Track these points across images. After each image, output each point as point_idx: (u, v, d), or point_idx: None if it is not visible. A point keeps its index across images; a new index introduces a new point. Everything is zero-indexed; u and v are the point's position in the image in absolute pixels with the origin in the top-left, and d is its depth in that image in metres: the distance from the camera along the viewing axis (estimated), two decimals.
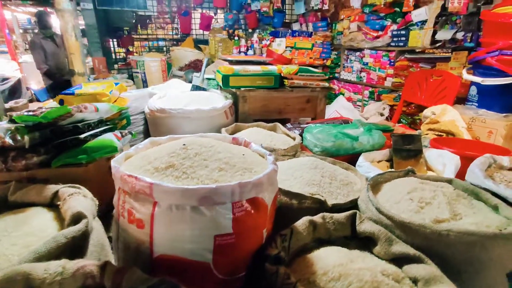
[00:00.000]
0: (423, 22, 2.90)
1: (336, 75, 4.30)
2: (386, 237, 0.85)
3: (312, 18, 4.51)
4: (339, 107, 3.21)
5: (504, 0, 2.07)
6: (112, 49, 5.14)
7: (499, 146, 1.74)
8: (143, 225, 0.71)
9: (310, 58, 4.21)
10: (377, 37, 3.45)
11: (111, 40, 5.06)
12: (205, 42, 4.47)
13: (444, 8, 2.48)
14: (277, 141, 1.58)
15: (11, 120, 0.98)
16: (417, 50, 3.20)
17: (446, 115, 2.28)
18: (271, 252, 0.79)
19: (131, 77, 3.72)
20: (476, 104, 2.24)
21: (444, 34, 2.65)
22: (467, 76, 2.22)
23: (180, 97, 1.82)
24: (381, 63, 3.51)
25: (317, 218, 0.92)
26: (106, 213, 0.97)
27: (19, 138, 0.95)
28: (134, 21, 5.25)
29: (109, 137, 1.13)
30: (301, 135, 1.67)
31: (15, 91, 4.86)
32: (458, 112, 2.24)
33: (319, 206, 1.03)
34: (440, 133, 2.23)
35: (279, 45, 3.95)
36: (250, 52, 3.95)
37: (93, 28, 3.93)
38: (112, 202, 0.82)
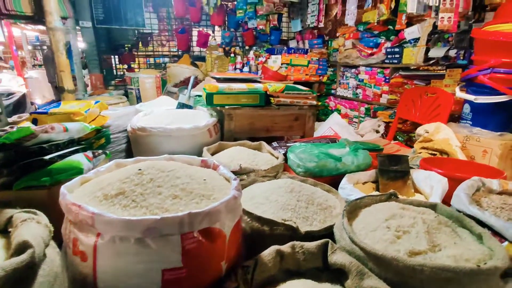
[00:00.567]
0: (416, 39, 2.89)
1: (333, 91, 4.29)
2: (357, 270, 0.79)
3: (308, 35, 4.55)
4: (333, 124, 3.17)
5: (494, 18, 2.06)
6: (113, 65, 5.22)
7: (492, 167, 1.67)
8: (86, 258, 0.65)
9: (306, 74, 4.21)
10: (372, 54, 3.45)
11: (112, 56, 5.16)
12: (203, 59, 4.52)
13: (435, 26, 2.47)
14: (259, 161, 1.53)
15: None
16: (412, 67, 3.18)
17: (440, 133, 2.23)
18: (229, 285, 0.73)
19: (126, 93, 3.74)
20: (470, 122, 2.18)
21: (437, 52, 2.63)
22: (460, 94, 2.18)
23: (165, 115, 1.79)
24: (376, 80, 3.49)
25: (286, 247, 0.86)
26: None
27: None
28: (135, 38, 5.36)
29: (78, 158, 1.09)
30: (286, 154, 1.62)
31: (19, 105, 4.93)
32: (452, 130, 2.18)
33: (292, 233, 0.97)
34: (433, 152, 2.16)
35: (275, 62, 3.96)
36: (246, 69, 3.97)
37: (91, 45, 3.99)
38: None
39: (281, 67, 3.97)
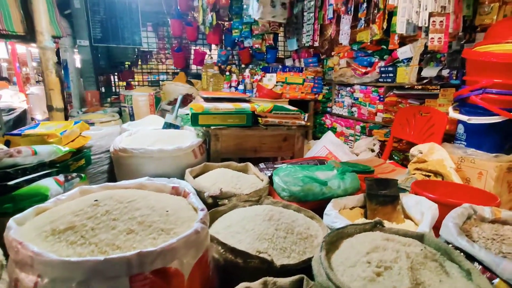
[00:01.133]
0: (409, 59, 2.89)
1: (328, 109, 4.27)
2: None
3: (304, 54, 4.58)
4: (327, 143, 3.13)
5: (484, 38, 2.05)
6: (112, 82, 5.27)
7: (486, 192, 1.60)
8: None
9: (302, 92, 4.20)
10: (366, 73, 3.44)
11: (111, 73, 5.21)
12: (200, 76, 4.54)
13: (427, 46, 2.47)
14: (243, 184, 1.47)
15: None
16: (406, 86, 3.17)
17: (434, 154, 2.17)
18: None
19: (121, 111, 3.73)
20: (465, 143, 2.13)
21: (430, 71, 2.61)
22: (453, 114, 2.14)
23: (149, 135, 1.75)
24: (370, 99, 3.47)
25: (257, 284, 0.79)
26: None
27: None
28: (135, 56, 5.44)
29: (46, 183, 1.04)
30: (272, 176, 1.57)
31: (20, 121, 4.95)
32: (447, 151, 2.13)
33: (267, 266, 0.90)
34: (428, 173, 2.10)
35: (270, 80, 3.97)
36: (241, 87, 3.97)
37: (88, 63, 4.02)
38: None
39: (276, 85, 3.97)
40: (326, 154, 3.15)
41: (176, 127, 1.98)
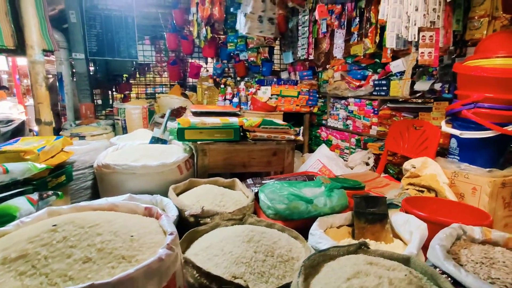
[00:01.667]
0: (402, 72, 2.89)
1: (324, 122, 4.26)
2: None
3: (300, 67, 4.60)
4: (321, 156, 3.09)
5: (474, 53, 2.04)
6: (110, 95, 5.29)
7: (478, 210, 1.56)
8: None
9: (297, 105, 4.20)
10: (360, 86, 3.44)
11: (109, 86, 5.24)
12: (195, 89, 4.55)
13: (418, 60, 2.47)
14: (227, 201, 1.43)
15: None
16: (400, 100, 3.16)
17: (427, 169, 2.14)
18: None
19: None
20: (458, 158, 2.10)
21: (422, 85, 2.60)
22: (446, 128, 2.11)
23: (134, 150, 1.72)
24: (365, 112, 3.45)
25: None
26: None
27: None
28: (133, 68, 5.48)
29: (16, 203, 1.00)
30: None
31: (18, 132, 4.95)
32: (440, 166, 2.10)
33: None
34: (421, 189, 2.06)
35: (264, 93, 3.97)
36: (236, 100, 3.97)
37: (83, 76, 4.03)
38: None
39: (270, 98, 3.97)
40: (320, 168, 3.11)
41: (164, 142, 1.95)
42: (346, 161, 3.45)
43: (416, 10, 1.95)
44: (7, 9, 2.12)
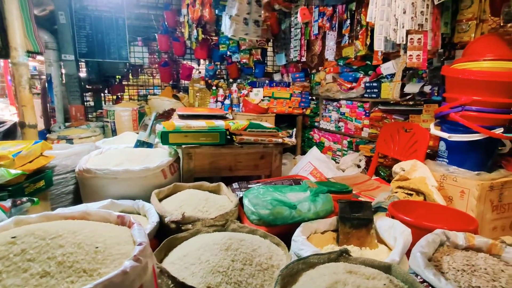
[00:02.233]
0: (393, 75, 2.88)
1: (316, 124, 4.24)
2: None
3: (293, 69, 4.59)
4: (312, 159, 3.08)
5: (462, 56, 2.04)
6: (102, 96, 5.24)
7: (465, 214, 1.55)
8: None
9: (289, 107, 4.18)
10: (351, 88, 3.44)
11: (101, 87, 5.18)
12: (187, 90, 4.52)
13: None
14: (211, 207, 1.40)
15: None
16: (391, 102, 3.15)
17: (416, 172, 2.13)
18: None
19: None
20: (447, 160, 2.09)
21: (412, 88, 2.60)
22: (434, 131, 2.10)
23: (118, 154, 1.69)
24: (356, 114, 3.45)
25: None
26: None
27: None
28: (126, 70, 5.43)
29: None
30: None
31: (9, 134, 4.88)
32: (429, 169, 2.09)
33: None
34: (410, 192, 2.05)
35: (256, 95, 3.95)
36: (228, 101, 3.95)
37: (73, 77, 3.98)
38: None
39: (263, 100, 3.95)
40: (311, 170, 3.09)
41: (149, 145, 1.92)
42: (338, 163, 3.43)
43: (404, 12, 1.94)
44: None
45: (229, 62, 4.52)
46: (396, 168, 2.24)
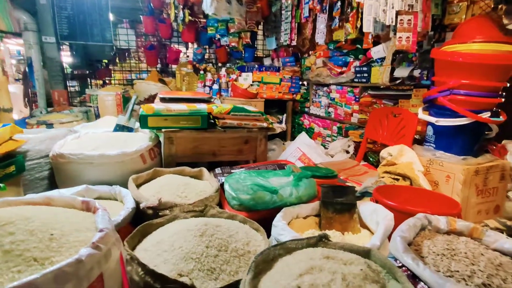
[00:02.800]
0: (383, 59, 2.83)
1: (306, 109, 4.19)
2: None
3: (283, 53, 4.49)
4: (301, 144, 3.04)
5: (452, 38, 1.99)
6: (88, 81, 5.07)
7: (449, 198, 1.54)
8: None
9: (279, 92, 4.12)
10: (341, 73, 3.38)
11: (87, 72, 5.01)
12: (174, 75, 4.39)
13: None
14: (190, 192, 1.36)
15: None
16: (381, 87, 3.11)
17: (403, 157, 2.11)
18: None
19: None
20: (434, 145, 2.07)
21: (401, 72, 2.55)
22: (422, 116, 2.07)
23: (96, 138, 1.62)
24: (346, 99, 3.40)
25: None
26: None
27: None
28: (113, 53, 5.24)
29: None
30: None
31: None
32: (416, 153, 2.07)
33: None
34: (396, 177, 2.04)
35: (245, 80, 3.86)
36: (216, 86, 3.85)
37: (54, 61, 3.82)
38: None
39: (252, 84, 3.87)
40: (300, 156, 3.06)
41: (129, 129, 1.84)
42: (327, 149, 3.41)
43: None
44: None
45: (217, 46, 4.39)
46: (383, 153, 2.22)
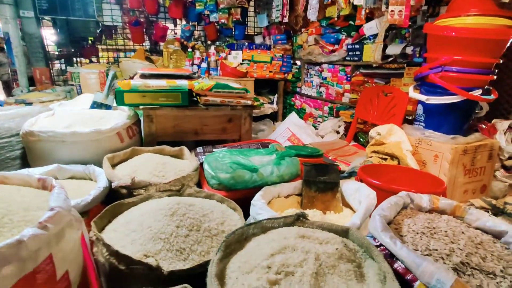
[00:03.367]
0: (375, 35, 2.73)
1: (298, 89, 4.10)
2: None
3: (275, 31, 4.34)
4: (290, 125, 2.99)
5: (446, 11, 1.90)
6: (74, 60, 4.88)
7: (434, 177, 1.51)
8: None
9: (270, 71, 4.01)
10: (333, 51, 3.27)
11: (72, 50, 4.80)
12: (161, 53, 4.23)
13: None
14: (168, 171, 1.31)
15: None
16: (374, 65, 3.03)
17: (392, 136, 2.07)
18: None
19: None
20: (423, 124, 2.03)
21: (394, 49, 2.47)
22: (413, 94, 2.02)
23: (70, 116, 1.53)
24: (338, 78, 3.32)
25: None
26: None
27: None
28: (99, 31, 5.02)
29: None
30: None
31: None
32: (406, 133, 2.04)
33: (155, 273, 0.75)
34: (384, 156, 2.00)
35: (235, 58, 3.74)
36: (204, 65, 3.72)
37: (34, 37, 3.64)
38: None
39: (242, 63, 3.75)
40: (289, 136, 3.01)
41: (108, 107, 1.76)
42: (318, 129, 3.36)
43: None
44: None
45: (206, 23, 4.22)
46: (372, 132, 2.18)
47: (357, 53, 2.98)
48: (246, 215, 1.10)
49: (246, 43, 3.82)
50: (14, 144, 1.46)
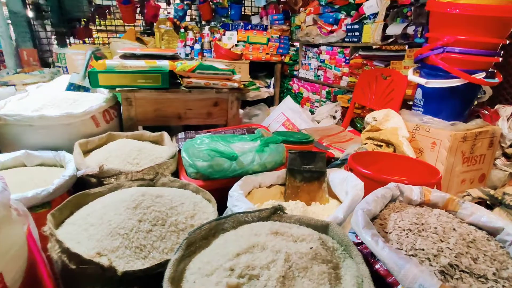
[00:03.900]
0: (376, 15, 2.57)
1: (295, 72, 3.96)
2: None
3: (272, 10, 4.14)
4: (285, 109, 2.88)
5: None
6: (67, 41, 4.72)
7: (429, 166, 1.42)
8: None
9: (267, 54, 3.86)
10: (332, 31, 3.11)
11: (65, 31, 4.64)
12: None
13: None
14: (143, 159, 1.22)
15: None
16: (374, 47, 2.88)
17: (389, 122, 1.97)
18: None
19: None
20: (422, 110, 1.92)
21: (395, 29, 2.32)
22: (412, 77, 1.90)
23: (42, 98, 1.44)
24: (336, 61, 3.18)
25: None
26: None
27: None
28: (92, 10, 4.83)
29: None
30: None
31: None
32: (403, 118, 1.93)
33: (107, 273, 0.68)
34: (380, 143, 1.91)
35: (230, 39, 3.58)
36: (197, 46, 3.57)
37: (19, 16, 3.48)
38: None
39: (237, 45, 3.59)
40: (284, 121, 2.91)
41: (86, 89, 1.66)
42: (314, 114, 3.25)
43: None
44: None
45: (201, 1, 4.02)
46: (368, 118, 2.07)
47: (356, 33, 2.83)
48: (226, 206, 1.03)
49: (242, 23, 3.65)
50: None
